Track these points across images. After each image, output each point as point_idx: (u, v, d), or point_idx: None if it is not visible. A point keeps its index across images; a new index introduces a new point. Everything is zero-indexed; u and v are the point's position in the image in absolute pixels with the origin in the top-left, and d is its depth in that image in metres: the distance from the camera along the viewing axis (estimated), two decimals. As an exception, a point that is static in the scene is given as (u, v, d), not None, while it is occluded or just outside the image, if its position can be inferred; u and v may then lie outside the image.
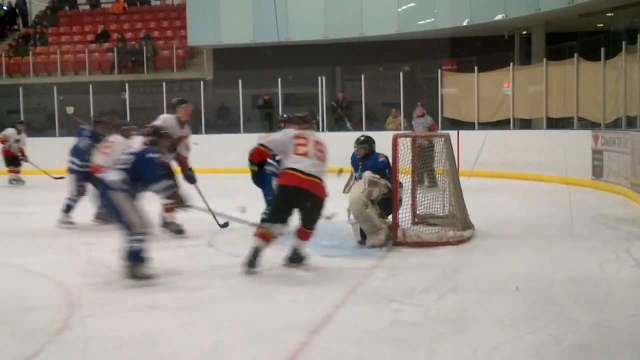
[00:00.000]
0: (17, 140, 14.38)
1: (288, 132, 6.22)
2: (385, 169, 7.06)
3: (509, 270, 5.87)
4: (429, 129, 12.30)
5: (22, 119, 16.19)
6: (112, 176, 5.58)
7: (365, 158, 7.23)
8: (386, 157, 7.23)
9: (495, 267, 6.03)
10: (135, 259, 5.54)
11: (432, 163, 8.57)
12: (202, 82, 17.52)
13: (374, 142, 7.35)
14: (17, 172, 14.50)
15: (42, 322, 4.55)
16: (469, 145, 13.25)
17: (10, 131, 14.39)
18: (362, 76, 16.33)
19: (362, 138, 7.34)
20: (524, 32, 16.91)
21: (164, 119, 7.64)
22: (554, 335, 4.14)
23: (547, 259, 6.32)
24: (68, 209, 8.74)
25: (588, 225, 8.12)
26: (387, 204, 6.93)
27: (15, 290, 5.52)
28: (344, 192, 7.26)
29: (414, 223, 7.60)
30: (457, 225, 7.28)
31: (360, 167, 7.21)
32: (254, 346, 4.06)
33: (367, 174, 6.90)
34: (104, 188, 5.61)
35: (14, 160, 14.40)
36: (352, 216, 6.96)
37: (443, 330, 4.28)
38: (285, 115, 8.24)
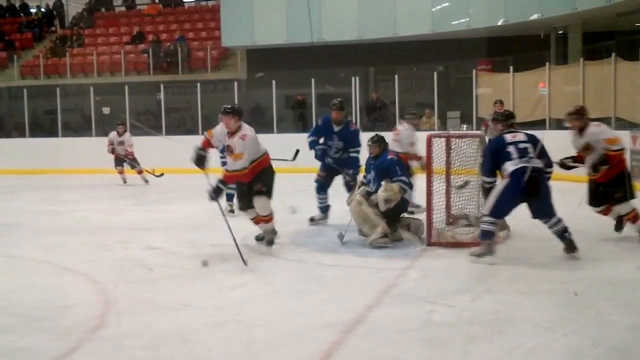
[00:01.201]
0: (121, 143, 14.41)
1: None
2: (395, 167, 7.07)
3: (545, 271, 5.80)
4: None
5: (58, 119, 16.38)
6: None
7: (377, 157, 7.26)
8: (396, 155, 7.33)
9: (531, 268, 5.95)
10: None
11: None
12: (236, 83, 17.60)
13: (386, 143, 7.46)
14: (121, 171, 14.53)
15: (79, 319, 4.61)
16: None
17: (111, 135, 14.54)
18: (396, 76, 16.27)
19: (376, 137, 7.39)
20: (560, 32, 16.70)
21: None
22: (591, 338, 4.08)
23: (584, 260, 6.22)
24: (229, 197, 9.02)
25: (626, 227, 7.98)
26: (400, 208, 7.00)
27: (53, 288, 5.60)
28: (347, 204, 7.36)
29: (448, 224, 7.54)
30: (492, 226, 7.20)
31: (371, 166, 7.28)
32: (287, 346, 4.06)
33: (380, 195, 6.87)
34: None
35: (120, 161, 14.53)
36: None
37: (477, 332, 4.24)
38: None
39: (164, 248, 7.11)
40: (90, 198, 12.17)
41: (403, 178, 7.01)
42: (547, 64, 14.58)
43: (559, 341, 4.05)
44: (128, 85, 18.17)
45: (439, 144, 7.45)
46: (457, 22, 17.02)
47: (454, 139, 7.71)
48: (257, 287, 5.50)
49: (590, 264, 6.10)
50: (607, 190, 7.00)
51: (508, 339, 4.10)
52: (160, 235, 7.84)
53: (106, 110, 18.91)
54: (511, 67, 15.02)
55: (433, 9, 17.36)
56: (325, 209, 8.44)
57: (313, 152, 8.34)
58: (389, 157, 7.23)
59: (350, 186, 8.21)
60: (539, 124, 14.65)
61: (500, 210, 6.16)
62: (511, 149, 6.24)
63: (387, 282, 5.47)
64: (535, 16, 15.52)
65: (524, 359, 3.79)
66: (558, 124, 14.82)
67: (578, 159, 7.20)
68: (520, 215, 8.19)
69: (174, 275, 5.93)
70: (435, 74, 15.87)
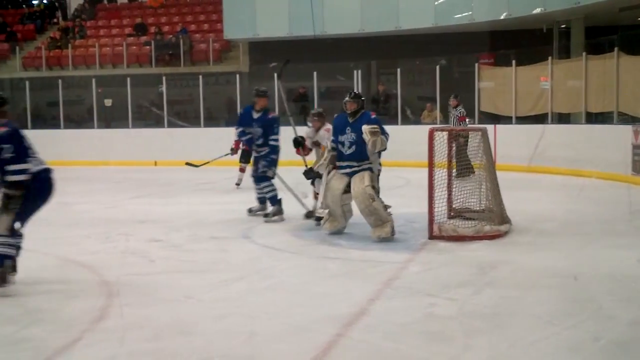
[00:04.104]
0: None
1: None
2: (380, 124, 7.01)
3: (547, 266, 5.81)
4: (458, 119, 12.52)
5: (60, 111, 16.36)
6: None
7: (354, 115, 7.13)
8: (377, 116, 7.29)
9: (533, 262, 5.96)
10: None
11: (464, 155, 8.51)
12: (237, 75, 17.58)
13: (364, 100, 7.36)
14: (243, 169, 12.15)
15: (81, 311, 4.62)
16: (506, 140, 13.15)
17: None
18: (398, 70, 16.24)
19: (354, 93, 7.32)
20: (563, 26, 16.66)
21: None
22: (592, 332, 4.09)
23: (586, 255, 6.23)
24: None
25: (628, 221, 8.00)
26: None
27: (55, 280, 5.61)
28: (313, 168, 7.47)
29: (449, 217, 7.54)
30: (494, 220, 7.22)
31: (349, 127, 7.09)
32: (288, 338, 4.07)
33: (365, 126, 6.85)
34: None
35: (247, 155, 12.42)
36: (323, 204, 7.22)
37: (479, 326, 4.25)
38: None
39: (166, 240, 7.12)
40: (93, 190, 12.18)
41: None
42: (550, 58, 14.54)
43: (560, 335, 4.06)
44: (130, 78, 18.17)
45: (441, 138, 7.44)
46: (459, 15, 16.99)
47: (455, 133, 7.70)
48: (259, 279, 5.51)
49: (591, 258, 6.11)
50: None
51: (509, 333, 4.11)
52: (162, 228, 7.85)
53: (108, 102, 18.92)
54: (514, 61, 14.98)
55: (436, 3, 17.33)
56: (263, 200, 8.50)
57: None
58: (372, 116, 7.16)
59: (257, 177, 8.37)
60: (541, 118, 14.65)
61: None
62: None
63: (388, 275, 5.48)
64: (538, 10, 15.48)
65: (524, 353, 3.79)
66: (560, 118, 14.84)
67: None
68: (522, 209, 8.23)
69: (175, 268, 5.94)
70: (437, 67, 15.84)
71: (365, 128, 6.83)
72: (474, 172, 8.02)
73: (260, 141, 8.33)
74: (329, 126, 7.74)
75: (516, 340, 3.97)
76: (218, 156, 11.85)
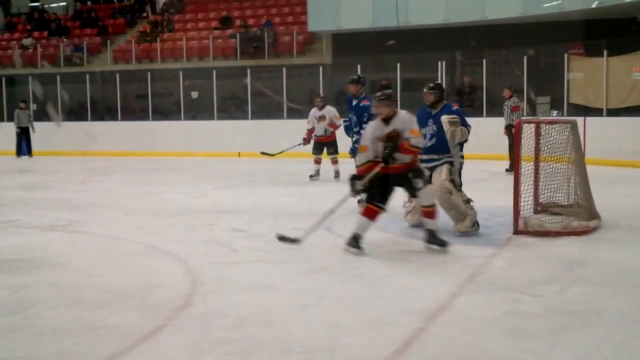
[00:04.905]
0: (321, 118, 11.83)
1: None
2: (462, 116, 6.85)
3: (637, 263, 5.59)
4: (511, 110, 12.37)
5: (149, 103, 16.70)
6: None
7: (435, 107, 6.99)
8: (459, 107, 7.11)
9: (623, 259, 5.74)
10: None
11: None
12: (321, 68, 17.64)
13: (444, 91, 7.19)
14: (318, 160, 11.93)
15: (167, 298, 4.73)
16: (596, 133, 12.72)
17: (312, 112, 12.05)
18: (484, 61, 15.94)
19: (433, 84, 7.14)
20: (658, 15, 16.01)
21: None
22: (686, 333, 3.91)
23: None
24: None
25: None
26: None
27: (142, 267, 5.78)
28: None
29: (536, 212, 7.36)
30: (583, 215, 7.00)
31: (430, 119, 6.94)
32: (369, 330, 4.05)
33: (444, 117, 6.76)
34: None
35: (320, 146, 11.97)
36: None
37: (565, 323, 4.12)
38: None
39: (249, 230, 7.22)
40: (178, 180, 12.47)
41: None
42: (643, 48, 14.01)
43: (652, 336, 3.90)
44: (216, 70, 18.50)
45: (529, 130, 7.26)
46: (548, 4, 16.51)
47: (543, 125, 7.49)
48: (340, 271, 5.51)
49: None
50: None
51: (597, 331, 3.97)
52: (246, 218, 7.96)
53: (194, 94, 19.35)
54: (605, 51, 14.48)
55: (524, -8, 16.91)
56: None
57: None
58: (454, 107, 7.01)
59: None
60: (634, 110, 14.11)
61: None
62: None
63: (471, 270, 5.39)
64: (631, -2, 14.92)
65: (613, 353, 3.66)
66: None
67: None
68: (613, 204, 7.95)
69: (258, 257, 6.02)
70: (525, 57, 15.47)
71: (444, 118, 6.74)
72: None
73: (356, 129, 8.35)
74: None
75: (604, 339, 3.83)
76: (291, 146, 11.96)
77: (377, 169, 5.98)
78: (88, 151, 17.98)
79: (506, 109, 12.55)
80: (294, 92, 18.01)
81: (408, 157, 6.03)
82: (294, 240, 6.11)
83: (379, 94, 6.16)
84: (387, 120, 6.07)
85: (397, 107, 6.20)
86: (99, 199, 9.93)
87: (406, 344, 3.79)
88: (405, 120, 6.08)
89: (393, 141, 5.96)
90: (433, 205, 6.12)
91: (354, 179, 6.14)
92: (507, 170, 11.76)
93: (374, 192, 6.09)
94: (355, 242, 6.04)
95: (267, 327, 4.12)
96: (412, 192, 6.15)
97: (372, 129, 6.15)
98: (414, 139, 5.95)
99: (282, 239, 6.20)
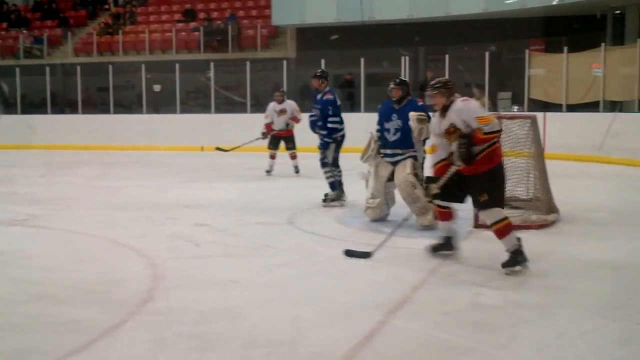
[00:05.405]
0: (282, 112, 11.66)
1: None
2: (427, 112, 6.90)
3: (596, 256, 5.69)
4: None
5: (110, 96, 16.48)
6: None
7: (400, 102, 7.04)
8: (423, 103, 7.14)
9: (581, 253, 5.84)
10: None
11: None
12: (285, 62, 17.61)
13: (410, 86, 7.22)
14: (273, 155, 11.77)
15: (129, 293, 4.69)
16: (556, 128, 12.91)
17: (270, 105, 11.88)
18: (447, 56, 16.07)
19: (399, 80, 7.15)
20: (618, 12, 16.26)
21: None
22: (642, 324, 4.01)
23: (637, 246, 6.10)
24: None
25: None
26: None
27: (104, 262, 5.72)
28: (361, 160, 7.27)
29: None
30: (542, 209, 7.11)
31: (394, 114, 6.99)
32: (333, 324, 4.07)
33: (413, 113, 6.79)
34: None
35: (276, 141, 11.78)
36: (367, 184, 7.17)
37: (525, 315, 4.19)
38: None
39: (212, 225, 7.18)
40: (141, 174, 12.36)
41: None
42: (603, 44, 14.23)
43: (609, 327, 3.98)
44: (179, 63, 18.35)
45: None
46: (511, 0, 16.70)
47: (504, 120, 7.57)
48: (304, 265, 5.52)
49: (642, 249, 5.98)
50: None
51: (556, 323, 4.04)
52: (209, 213, 7.92)
53: (157, 87, 19.17)
54: (565, 48, 14.69)
55: (486, -13, 17.07)
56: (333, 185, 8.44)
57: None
58: (419, 103, 7.08)
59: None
60: (593, 106, 14.35)
61: None
62: None
63: (433, 264, 5.44)
64: (592, -6, 15.16)
65: (572, 344, 3.73)
66: (612, 106, 14.51)
67: None
68: (572, 199, 8.08)
69: (221, 252, 6.00)
70: (487, 53, 15.63)
71: (412, 115, 6.78)
72: None
73: (320, 123, 8.35)
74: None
75: (564, 331, 3.90)
76: (249, 140, 11.90)
77: (453, 169, 5.27)
78: (49, 145, 17.73)
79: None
80: (257, 86, 17.95)
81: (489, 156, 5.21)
82: (364, 255, 5.42)
83: (434, 81, 5.48)
84: (444, 112, 5.36)
85: (453, 95, 5.40)
86: (60, 193, 9.79)
87: (368, 337, 3.81)
88: (460, 110, 5.22)
89: (467, 137, 5.13)
90: (497, 223, 5.22)
91: (429, 181, 5.46)
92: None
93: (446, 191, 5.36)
94: (445, 245, 5.65)
95: (230, 321, 4.11)
96: (476, 205, 5.48)
97: (433, 125, 5.55)
98: (487, 127, 5.09)
99: (351, 253, 5.47)
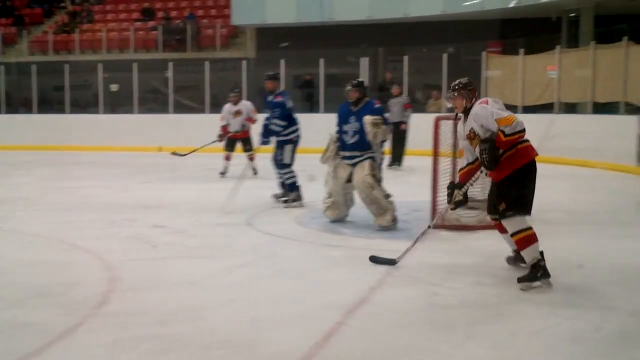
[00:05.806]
0: (237, 113, 11.63)
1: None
2: (383, 114, 7.01)
3: (550, 256, 5.74)
4: (404, 107, 12.68)
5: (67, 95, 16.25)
6: None
7: (357, 104, 7.09)
8: (381, 105, 7.25)
9: (536, 252, 5.94)
10: None
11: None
12: (244, 62, 17.56)
13: (367, 88, 7.27)
14: (228, 157, 11.74)
15: (85, 296, 4.64)
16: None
17: (226, 107, 11.81)
18: (405, 57, 16.19)
19: (356, 82, 7.20)
20: (573, 15, 16.57)
21: None
22: (594, 322, 4.09)
23: (590, 245, 6.23)
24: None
25: (633, 212, 7.99)
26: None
27: (60, 264, 5.63)
28: (321, 162, 7.28)
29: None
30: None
31: (352, 116, 7.03)
32: (291, 324, 4.08)
33: (367, 117, 6.85)
34: None
35: (232, 143, 11.79)
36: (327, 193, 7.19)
37: (480, 315, 4.25)
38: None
39: (170, 226, 7.13)
40: (98, 175, 12.21)
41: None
42: (558, 47, 14.49)
43: (562, 325, 4.06)
44: (137, 63, 18.17)
45: (446, 126, 7.42)
46: (469, 2, 16.91)
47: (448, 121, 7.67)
48: (263, 266, 5.52)
49: (595, 248, 6.10)
50: None
51: (511, 322, 4.11)
52: (167, 214, 7.87)
53: (114, 87, 18.95)
54: (521, 50, 14.92)
55: (445, -11, 17.26)
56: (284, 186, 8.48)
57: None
58: (376, 105, 7.14)
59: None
60: (548, 108, 14.60)
61: None
62: None
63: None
64: (547, -2, 15.42)
65: (526, 342, 3.80)
66: (567, 108, 14.77)
67: None
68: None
69: (179, 253, 5.96)
70: (445, 55, 15.79)
71: (367, 119, 6.82)
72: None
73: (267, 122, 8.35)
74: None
75: (518, 329, 3.97)
76: (205, 144, 11.81)
77: (478, 174, 5.11)
78: (3, 145, 17.40)
79: (398, 105, 12.61)
80: (217, 86, 17.85)
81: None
82: (389, 262, 5.33)
83: (454, 83, 5.22)
84: (466, 115, 5.08)
85: (475, 96, 5.14)
86: (15, 194, 9.62)
87: (326, 337, 3.83)
88: (477, 115, 4.93)
89: (487, 142, 4.84)
90: (517, 233, 4.98)
91: (453, 187, 5.28)
92: (390, 165, 12.07)
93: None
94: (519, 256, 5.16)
95: (189, 323, 4.10)
96: (496, 214, 5.12)
97: (458, 129, 5.29)
98: (507, 128, 4.80)
99: (376, 260, 5.39)
